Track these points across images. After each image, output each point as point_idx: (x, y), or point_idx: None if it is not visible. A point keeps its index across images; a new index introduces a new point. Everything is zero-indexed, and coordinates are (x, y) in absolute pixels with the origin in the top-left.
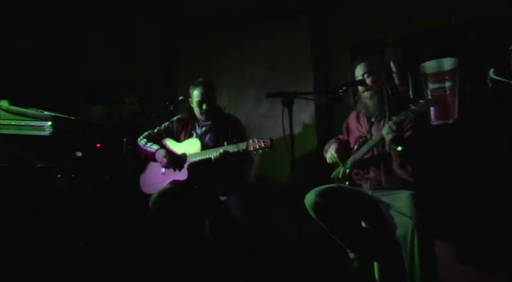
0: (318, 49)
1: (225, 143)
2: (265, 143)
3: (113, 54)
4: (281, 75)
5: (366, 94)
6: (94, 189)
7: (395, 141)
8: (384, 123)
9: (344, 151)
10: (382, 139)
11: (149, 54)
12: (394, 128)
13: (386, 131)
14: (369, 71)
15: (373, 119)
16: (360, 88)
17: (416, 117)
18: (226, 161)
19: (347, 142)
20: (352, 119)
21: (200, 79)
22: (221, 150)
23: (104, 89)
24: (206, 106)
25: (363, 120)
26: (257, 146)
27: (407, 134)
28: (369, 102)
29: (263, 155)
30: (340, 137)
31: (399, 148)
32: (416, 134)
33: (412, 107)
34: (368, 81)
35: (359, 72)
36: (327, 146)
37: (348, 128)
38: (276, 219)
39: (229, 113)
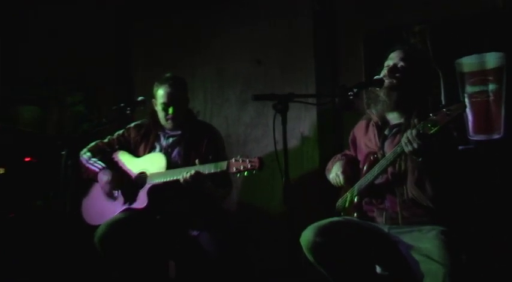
0: (323, 38)
1: (197, 162)
2: (252, 164)
3: (50, 39)
4: (273, 71)
5: (384, 87)
6: (19, 218)
7: (415, 153)
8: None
9: (354, 172)
10: (399, 157)
11: (98, 40)
12: (415, 137)
13: (405, 141)
14: (406, 60)
15: (386, 132)
16: None
17: (438, 131)
18: (199, 185)
19: (356, 159)
20: (359, 130)
21: (167, 74)
22: (193, 171)
23: (38, 84)
24: (173, 110)
25: (373, 131)
26: (241, 167)
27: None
28: (383, 97)
29: (248, 176)
30: (348, 152)
31: (419, 159)
32: (439, 151)
33: (432, 117)
34: (399, 74)
35: (393, 59)
36: (330, 163)
37: (354, 142)
38: (263, 262)
39: (205, 120)
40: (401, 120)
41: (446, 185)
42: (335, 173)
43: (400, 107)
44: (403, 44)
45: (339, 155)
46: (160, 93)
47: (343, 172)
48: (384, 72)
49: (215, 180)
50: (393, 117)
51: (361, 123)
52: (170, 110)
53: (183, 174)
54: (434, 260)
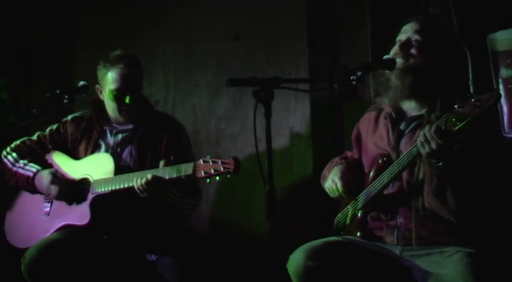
0: (318, 7)
1: (161, 164)
2: (226, 166)
3: None
4: (255, 50)
5: (396, 68)
6: None
7: (435, 155)
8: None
9: (355, 178)
10: (415, 160)
11: (28, 8)
12: (434, 134)
13: (422, 140)
14: (423, 32)
15: (402, 126)
16: None
17: (464, 127)
18: (157, 194)
19: (360, 163)
20: (366, 124)
21: (117, 52)
22: (149, 176)
23: None
24: (131, 99)
25: (385, 126)
26: (211, 171)
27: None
28: (395, 82)
29: (221, 185)
30: (349, 154)
31: (440, 163)
32: (465, 152)
33: (458, 109)
34: (413, 50)
35: (406, 32)
36: (326, 170)
37: (359, 141)
38: None
39: (165, 111)
40: (422, 111)
41: (474, 195)
42: (331, 180)
43: (418, 93)
44: (419, 14)
45: (337, 159)
46: (112, 76)
47: (342, 178)
48: (395, 49)
49: (181, 188)
50: (411, 107)
51: (369, 116)
52: (127, 99)
53: (137, 180)
54: None
